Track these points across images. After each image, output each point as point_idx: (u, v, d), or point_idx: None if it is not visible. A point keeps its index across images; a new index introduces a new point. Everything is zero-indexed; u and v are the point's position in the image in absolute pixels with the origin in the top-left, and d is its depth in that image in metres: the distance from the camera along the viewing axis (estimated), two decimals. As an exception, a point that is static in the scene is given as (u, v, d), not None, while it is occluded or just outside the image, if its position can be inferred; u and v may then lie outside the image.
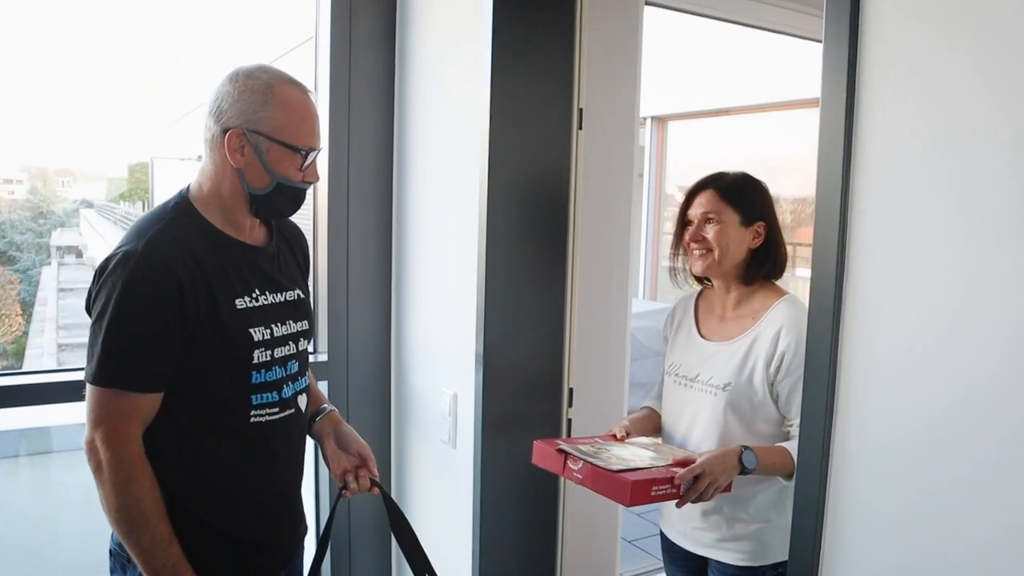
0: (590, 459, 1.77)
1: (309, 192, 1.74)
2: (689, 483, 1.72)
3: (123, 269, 1.49)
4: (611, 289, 2.74)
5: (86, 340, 1.55)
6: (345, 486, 1.78)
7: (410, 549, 1.78)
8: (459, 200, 2.35)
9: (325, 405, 1.89)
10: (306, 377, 1.80)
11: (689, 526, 2.01)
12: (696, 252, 1.98)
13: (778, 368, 1.86)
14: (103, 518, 1.53)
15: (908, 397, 1.26)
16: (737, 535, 1.93)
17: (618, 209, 2.74)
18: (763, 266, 1.97)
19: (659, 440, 2.05)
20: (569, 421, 2.39)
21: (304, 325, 1.76)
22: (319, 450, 1.88)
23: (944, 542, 1.22)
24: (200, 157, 1.67)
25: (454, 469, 2.42)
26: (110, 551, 1.65)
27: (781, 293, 1.97)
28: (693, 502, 1.75)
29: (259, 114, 1.57)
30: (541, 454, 1.90)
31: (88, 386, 1.51)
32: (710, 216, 1.95)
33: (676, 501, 1.74)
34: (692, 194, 2.02)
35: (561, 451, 1.83)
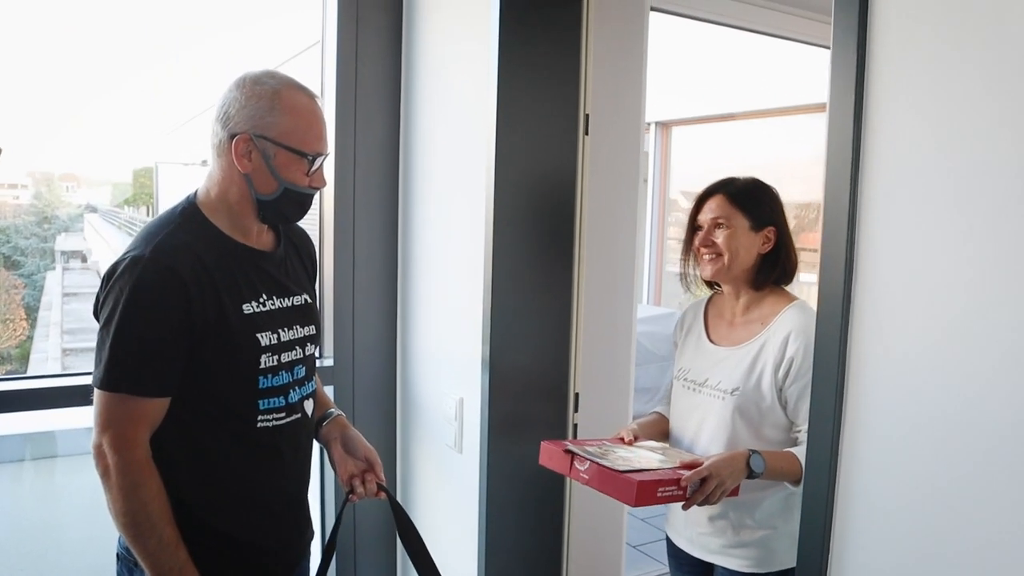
0: (597, 460, 1.77)
1: (316, 197, 1.74)
2: (696, 485, 1.72)
3: (131, 274, 1.50)
4: (617, 294, 2.74)
5: (90, 345, 1.56)
6: (352, 491, 1.78)
7: (416, 554, 1.78)
8: (465, 205, 2.35)
9: (332, 410, 1.89)
10: (313, 382, 1.80)
11: (695, 531, 2.00)
12: (706, 257, 1.98)
13: (787, 373, 1.85)
14: (109, 522, 1.53)
15: (917, 402, 1.26)
16: (743, 541, 1.92)
17: (624, 214, 2.74)
18: (773, 271, 1.97)
19: (667, 444, 2.04)
20: (575, 426, 2.39)
21: (311, 330, 1.76)
22: (325, 454, 1.88)
23: (955, 549, 1.21)
24: (205, 162, 1.67)
25: (460, 474, 2.42)
26: (117, 555, 1.65)
27: (791, 298, 1.97)
28: (699, 505, 1.74)
29: (266, 119, 1.57)
30: (548, 455, 1.90)
31: (96, 391, 1.51)
32: (720, 221, 1.95)
33: (682, 503, 1.74)
34: (702, 199, 2.02)
35: (568, 451, 1.83)
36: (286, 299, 1.71)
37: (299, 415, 1.72)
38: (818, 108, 5.90)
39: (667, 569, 2.21)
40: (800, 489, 1.55)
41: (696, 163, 7.45)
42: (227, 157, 1.60)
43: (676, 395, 2.09)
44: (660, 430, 2.11)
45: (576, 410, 2.38)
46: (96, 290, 1.58)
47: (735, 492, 1.77)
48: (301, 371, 1.72)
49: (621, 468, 1.73)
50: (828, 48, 1.37)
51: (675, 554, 2.11)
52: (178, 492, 1.55)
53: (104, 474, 1.50)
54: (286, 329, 1.68)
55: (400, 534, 1.79)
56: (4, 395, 2.21)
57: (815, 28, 3.46)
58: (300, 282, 1.79)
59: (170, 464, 1.55)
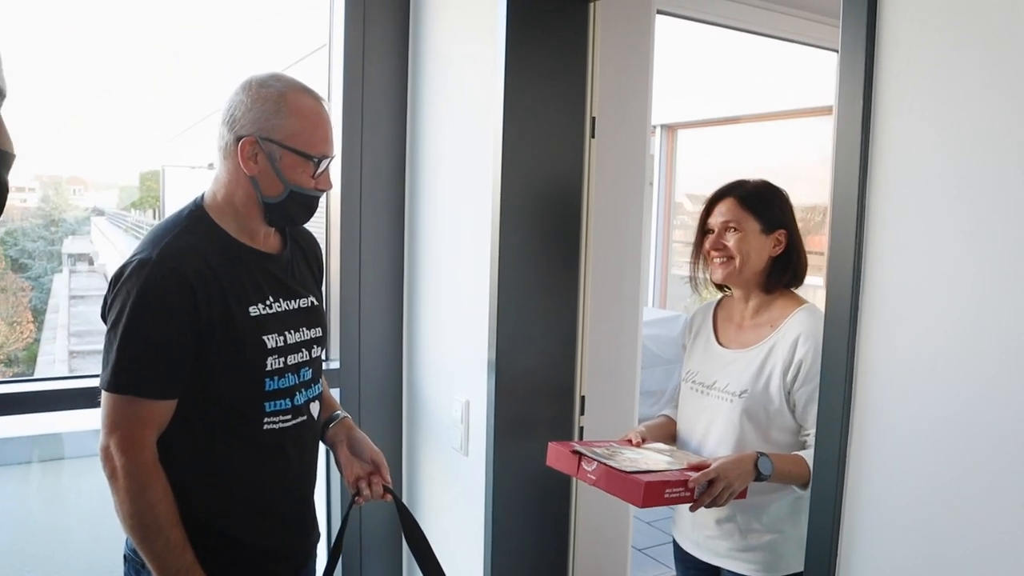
0: (604, 461, 1.77)
1: (322, 199, 1.74)
2: (703, 487, 1.72)
3: (138, 277, 1.50)
4: (623, 297, 2.74)
5: (97, 347, 1.56)
6: (358, 493, 1.78)
7: (423, 556, 1.78)
8: (472, 207, 2.35)
9: (338, 412, 1.89)
10: (319, 384, 1.80)
11: (702, 534, 2.00)
12: (717, 260, 1.98)
13: (795, 376, 1.85)
14: (116, 524, 1.53)
15: (926, 405, 1.25)
16: (751, 545, 1.92)
17: (630, 217, 2.74)
18: (784, 274, 1.97)
19: (674, 447, 2.04)
20: (581, 429, 2.39)
21: (318, 332, 1.77)
22: (331, 457, 1.88)
23: (964, 553, 1.21)
24: (211, 165, 1.68)
25: (466, 477, 2.42)
26: (124, 556, 1.65)
27: (800, 302, 1.97)
28: (707, 507, 1.74)
29: (272, 122, 1.58)
30: (555, 455, 1.91)
31: (103, 393, 1.52)
32: (731, 224, 1.95)
33: (690, 505, 1.74)
34: (712, 202, 2.01)
35: (575, 452, 1.84)
36: (292, 301, 1.71)
37: (305, 417, 1.72)
38: (824, 111, 5.92)
39: (673, 572, 2.21)
40: (808, 493, 1.55)
41: (701, 166, 7.44)
42: (233, 160, 1.60)
43: (684, 397, 2.09)
44: (668, 432, 2.11)
45: (582, 413, 2.39)
46: (103, 293, 1.58)
47: (743, 495, 1.77)
48: (307, 373, 1.73)
49: (628, 469, 1.73)
50: (835, 51, 1.37)
51: (682, 558, 2.11)
52: (185, 494, 1.55)
53: (111, 476, 1.51)
54: (292, 331, 1.68)
55: (406, 536, 1.79)
56: (11, 397, 2.21)
57: (821, 31, 3.45)
58: (306, 284, 1.79)
59: (177, 466, 1.55)
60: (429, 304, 2.65)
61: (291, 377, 1.67)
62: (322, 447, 1.87)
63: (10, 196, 0.92)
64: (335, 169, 2.58)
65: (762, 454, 1.77)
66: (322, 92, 1.70)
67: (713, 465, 1.74)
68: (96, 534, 2.81)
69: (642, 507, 1.69)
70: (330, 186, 1.70)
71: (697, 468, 1.75)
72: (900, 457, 1.29)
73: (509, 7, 2.14)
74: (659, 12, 2.82)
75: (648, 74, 2.75)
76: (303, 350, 1.71)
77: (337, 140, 2.57)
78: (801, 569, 1.49)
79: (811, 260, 2.02)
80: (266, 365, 1.62)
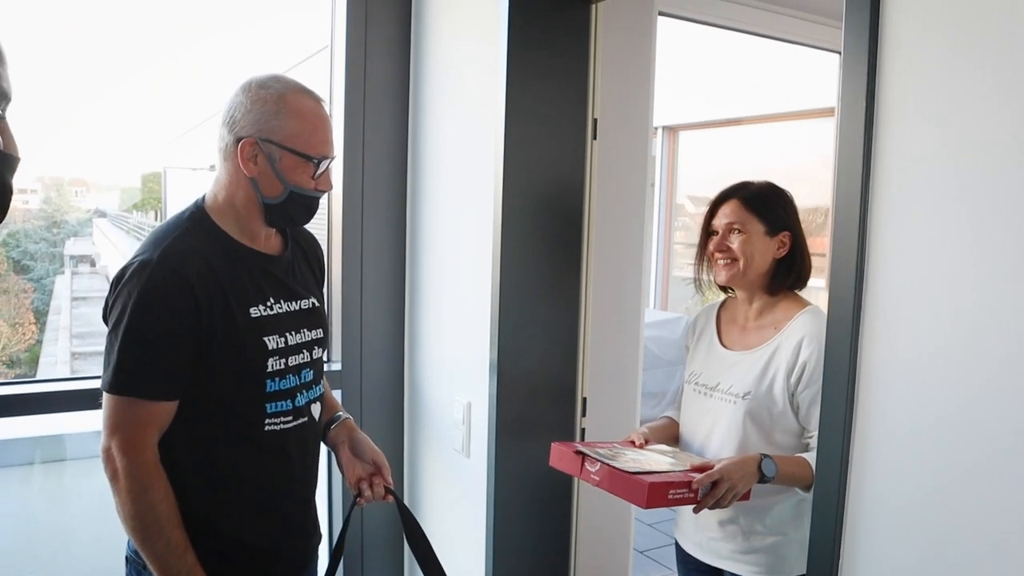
0: (607, 461, 1.76)
1: (324, 201, 1.74)
2: (707, 488, 1.72)
3: (139, 278, 1.50)
4: (624, 298, 2.73)
5: (99, 349, 1.56)
6: (360, 494, 1.78)
7: (424, 558, 1.78)
8: (474, 209, 2.35)
9: (340, 413, 1.89)
10: (320, 385, 1.80)
11: (705, 536, 2.00)
12: (721, 262, 1.97)
13: (799, 378, 1.85)
14: (118, 525, 1.53)
15: (929, 406, 1.25)
16: (754, 547, 1.92)
17: (632, 219, 2.73)
18: (788, 276, 1.97)
19: (677, 448, 2.04)
20: (583, 430, 2.39)
21: (319, 333, 1.77)
22: (333, 458, 1.88)
23: (967, 555, 1.21)
24: (213, 167, 1.68)
25: (468, 478, 2.42)
26: (126, 558, 1.65)
27: (803, 304, 1.97)
28: (710, 508, 1.74)
29: (271, 123, 1.58)
30: (558, 456, 1.90)
31: (104, 394, 1.52)
32: (735, 226, 1.95)
33: (693, 506, 1.74)
34: (717, 204, 2.01)
35: (578, 453, 1.83)
36: (293, 303, 1.71)
37: (306, 418, 1.72)
38: (825, 112, 5.92)
39: (674, 574, 2.20)
40: (811, 495, 1.55)
41: (703, 168, 7.44)
42: (233, 161, 1.60)
43: (687, 399, 2.09)
44: (670, 434, 2.11)
45: (584, 414, 2.38)
46: (105, 294, 1.58)
47: (746, 496, 1.77)
48: (309, 375, 1.73)
49: (632, 470, 1.72)
50: (836, 52, 1.37)
51: (684, 560, 2.11)
52: (186, 495, 1.55)
53: (112, 477, 1.51)
54: (293, 332, 1.68)
55: (407, 538, 1.79)
56: (13, 399, 2.21)
57: (823, 32, 3.45)
58: (308, 286, 1.79)
59: (178, 467, 1.55)
60: (431, 305, 2.65)
61: (292, 378, 1.67)
62: (324, 448, 1.87)
63: (13, 198, 0.93)
64: (336, 170, 2.59)
65: (766, 456, 1.77)
66: (324, 93, 1.70)
67: (717, 466, 1.73)
68: (98, 535, 2.81)
69: (646, 508, 1.68)
70: (330, 187, 1.70)
71: (701, 469, 1.75)
72: (903, 458, 1.29)
73: (511, 8, 2.14)
74: (661, 13, 2.82)
75: (650, 75, 2.75)
76: (304, 351, 1.71)
77: (339, 141, 2.58)
78: (804, 571, 1.49)
79: (813, 262, 2.02)
80: (267, 366, 1.62)
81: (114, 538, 1.64)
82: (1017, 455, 1.14)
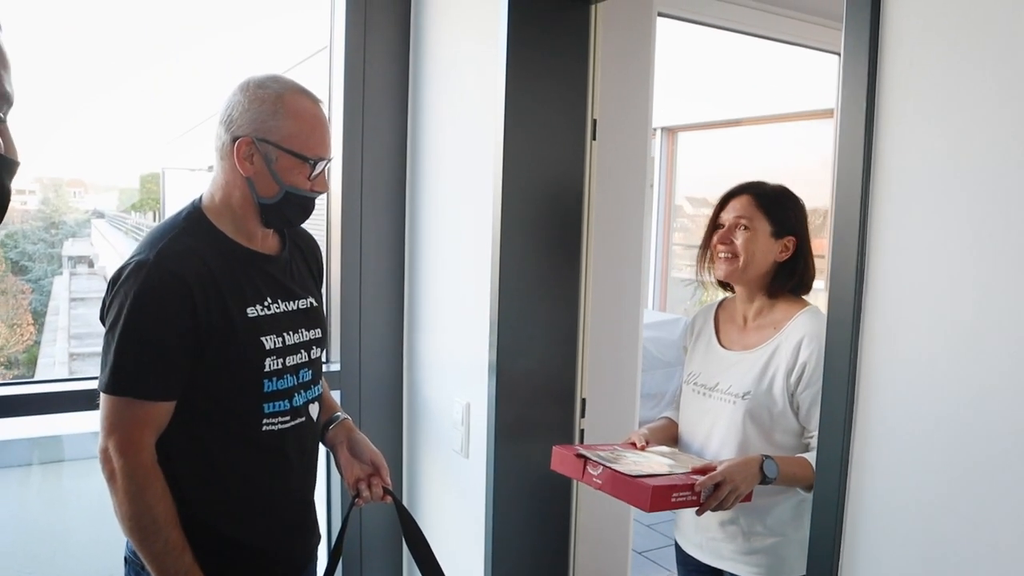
0: (609, 464, 1.76)
1: (323, 201, 1.74)
2: (710, 490, 1.71)
3: (135, 279, 1.50)
4: (624, 299, 2.73)
5: (97, 349, 1.56)
6: (358, 495, 1.78)
7: (423, 559, 1.77)
8: (473, 210, 2.35)
9: (338, 413, 1.89)
10: (319, 386, 1.80)
11: (705, 536, 1.99)
12: (722, 255, 1.97)
13: (799, 378, 1.85)
14: (116, 526, 1.53)
15: (929, 407, 1.25)
16: (754, 548, 1.91)
17: (631, 219, 2.74)
18: (789, 280, 1.96)
19: (677, 449, 2.04)
20: (582, 431, 2.39)
21: (317, 333, 1.76)
22: (331, 458, 1.88)
23: (967, 556, 1.21)
24: (211, 168, 1.68)
25: (466, 479, 2.42)
26: (125, 558, 1.65)
27: (803, 304, 1.96)
28: (713, 510, 1.73)
29: (268, 123, 1.58)
30: (560, 459, 1.90)
31: (102, 395, 1.52)
32: (743, 221, 1.95)
33: (696, 509, 1.73)
34: (728, 197, 2.01)
35: (580, 456, 1.83)
36: (291, 302, 1.71)
37: (303, 419, 1.72)
38: (824, 114, 5.92)
39: (674, 575, 2.20)
40: (812, 495, 1.54)
41: (702, 169, 7.45)
42: (229, 160, 1.60)
43: (686, 399, 2.08)
44: (669, 435, 2.10)
45: (583, 415, 2.38)
46: (103, 295, 1.58)
47: (748, 497, 1.76)
48: (307, 374, 1.72)
49: (634, 473, 1.72)
50: (835, 54, 1.37)
51: (683, 561, 2.11)
52: (184, 496, 1.55)
53: (110, 478, 1.50)
54: (291, 332, 1.68)
55: (406, 538, 1.79)
56: (11, 399, 2.21)
57: (822, 34, 3.45)
58: (305, 285, 1.79)
59: (176, 468, 1.55)
60: (430, 306, 2.65)
61: (290, 378, 1.67)
62: (322, 449, 1.87)
63: (11, 199, 0.92)
64: (335, 170, 2.59)
65: (767, 457, 1.77)
66: (323, 94, 1.70)
67: (719, 468, 1.73)
68: (96, 536, 2.80)
69: (650, 511, 1.68)
70: (326, 188, 1.70)
71: (702, 471, 1.75)
72: (902, 459, 1.29)
73: (510, 9, 2.14)
74: (660, 14, 2.82)
75: (649, 76, 2.75)
76: (302, 351, 1.71)
77: (338, 142, 2.57)
78: (804, 572, 1.49)
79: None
80: (264, 366, 1.61)
81: (112, 539, 1.64)
82: (1017, 455, 1.14)
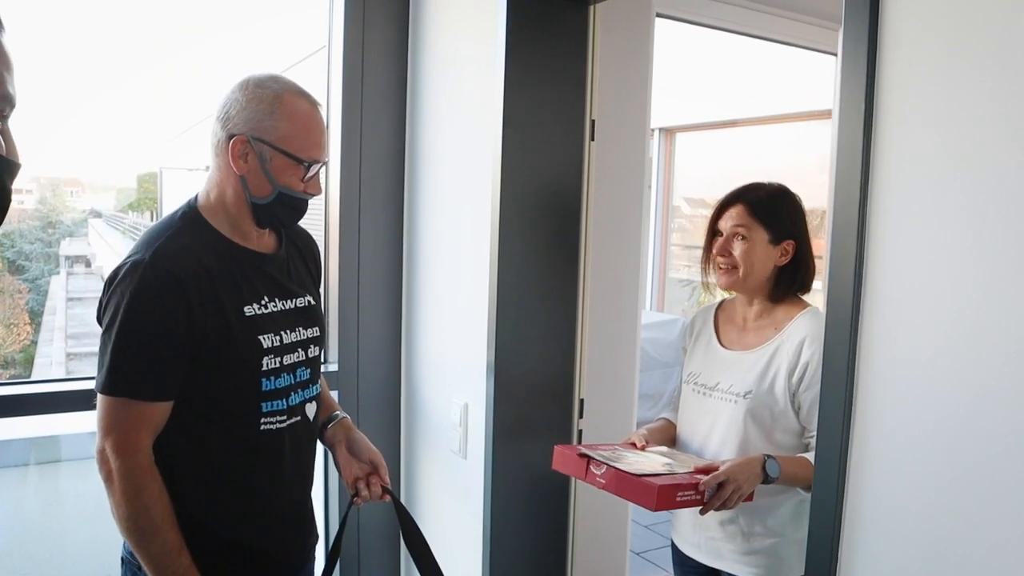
0: (613, 464, 1.76)
1: (321, 201, 1.74)
2: (713, 490, 1.72)
3: (131, 279, 1.50)
4: (622, 300, 2.73)
5: (94, 349, 1.56)
6: (357, 494, 1.78)
7: (421, 558, 1.77)
8: (471, 210, 2.35)
9: (337, 412, 1.89)
10: (317, 385, 1.80)
11: (704, 536, 1.99)
12: (721, 266, 1.97)
13: (800, 378, 1.85)
14: (113, 526, 1.53)
15: (927, 408, 1.25)
16: (753, 549, 1.92)
17: (629, 220, 2.73)
18: (791, 284, 1.96)
19: (676, 450, 2.04)
20: (580, 432, 2.38)
21: (315, 332, 1.76)
22: (329, 457, 1.87)
23: (965, 556, 1.21)
24: (209, 168, 1.68)
25: (464, 479, 2.42)
26: (122, 559, 1.64)
27: (804, 305, 1.97)
28: (716, 510, 1.74)
29: (265, 123, 1.57)
30: (562, 459, 1.90)
31: (98, 395, 1.51)
32: (739, 231, 1.95)
33: (699, 508, 1.74)
34: (724, 206, 2.01)
35: (583, 456, 1.83)
36: (288, 301, 1.70)
37: (299, 418, 1.71)
38: (822, 115, 5.92)
39: (671, 575, 2.20)
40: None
41: (700, 169, 7.45)
42: (224, 157, 1.60)
43: (685, 399, 2.08)
44: (668, 436, 2.10)
45: (581, 416, 2.38)
46: (100, 295, 1.58)
47: (750, 497, 1.77)
48: (305, 373, 1.72)
49: (638, 472, 1.72)
50: (832, 54, 1.37)
51: (680, 561, 2.11)
52: (181, 496, 1.55)
53: (107, 478, 1.50)
54: (288, 331, 1.68)
55: (405, 538, 1.79)
56: (8, 399, 2.21)
57: (819, 34, 3.45)
58: (303, 284, 1.79)
59: (173, 468, 1.55)
60: (428, 306, 2.65)
61: (287, 377, 1.67)
62: (320, 448, 1.86)
63: (11, 200, 0.92)
64: (334, 170, 2.59)
65: (770, 456, 1.77)
66: (321, 93, 1.69)
67: (722, 468, 1.73)
68: (94, 536, 2.80)
69: (655, 511, 1.68)
70: (319, 191, 1.69)
71: (705, 471, 1.75)
72: (901, 459, 1.29)
73: (509, 9, 2.14)
74: (658, 15, 2.82)
75: (647, 77, 2.75)
76: (299, 350, 1.70)
77: (336, 142, 2.57)
78: (802, 573, 1.49)
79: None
80: (262, 365, 1.61)
81: (110, 539, 1.64)
82: (1016, 455, 1.14)
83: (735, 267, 1.95)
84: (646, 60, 2.74)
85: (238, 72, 1.64)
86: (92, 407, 1.54)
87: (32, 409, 2.26)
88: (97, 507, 1.59)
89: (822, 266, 1.41)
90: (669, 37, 3.22)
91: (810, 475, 1.74)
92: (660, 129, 7.41)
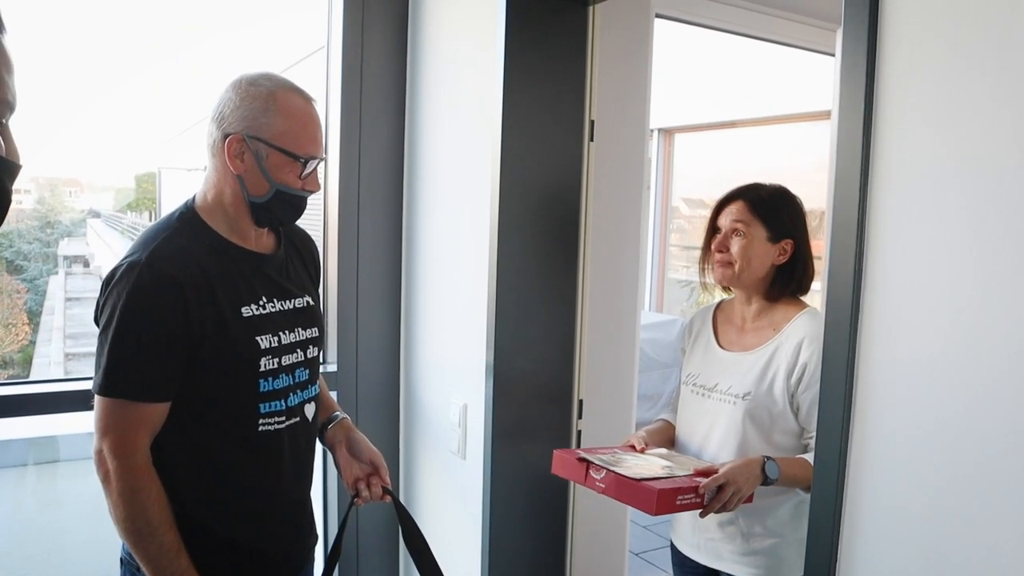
0: (613, 468, 1.76)
1: (319, 201, 1.73)
2: (713, 492, 1.71)
3: (128, 280, 1.49)
4: (621, 300, 2.73)
5: (92, 350, 1.55)
6: (357, 494, 1.77)
7: (421, 558, 1.77)
8: (470, 210, 2.35)
9: (337, 413, 1.88)
10: (316, 385, 1.79)
11: (704, 537, 1.99)
12: (719, 261, 1.97)
13: (799, 379, 1.85)
14: (111, 527, 1.52)
15: (927, 409, 1.25)
16: (753, 549, 1.92)
17: (628, 220, 2.73)
18: (788, 284, 1.96)
19: (675, 451, 2.04)
20: (579, 432, 2.38)
21: (313, 332, 1.76)
22: (328, 458, 1.87)
23: (965, 557, 1.21)
24: (206, 168, 1.68)
25: (464, 480, 2.41)
26: (120, 559, 1.64)
27: (802, 305, 1.97)
28: (716, 512, 1.74)
29: (260, 121, 1.57)
30: (561, 463, 1.89)
31: (96, 396, 1.51)
32: (738, 228, 1.95)
33: (700, 511, 1.73)
34: (724, 203, 2.01)
35: (582, 460, 1.82)
36: (287, 301, 1.70)
37: (298, 419, 1.71)
38: (821, 116, 5.92)
39: (670, 576, 2.20)
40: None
41: (698, 170, 7.45)
42: (220, 157, 1.60)
43: (684, 400, 2.08)
44: (667, 437, 2.10)
45: (580, 416, 2.38)
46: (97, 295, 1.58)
47: (750, 499, 1.77)
48: (304, 374, 1.72)
49: (636, 476, 1.72)
50: (831, 55, 1.37)
51: (680, 562, 2.11)
52: (180, 497, 1.54)
53: (105, 479, 1.50)
54: (287, 332, 1.67)
55: (404, 538, 1.78)
56: (7, 400, 2.20)
57: (818, 35, 3.45)
58: (302, 284, 1.78)
59: (171, 469, 1.54)
60: (427, 307, 2.65)
61: (286, 377, 1.66)
62: (320, 448, 1.86)
63: (11, 201, 0.92)
64: (333, 170, 2.59)
65: (769, 458, 1.77)
66: (320, 94, 1.69)
67: (722, 470, 1.73)
68: (92, 537, 2.80)
69: (655, 515, 1.68)
70: (318, 187, 1.69)
71: (704, 474, 1.75)
72: (900, 460, 1.29)
73: (508, 10, 2.14)
74: (657, 16, 2.82)
75: (647, 78, 2.75)
76: (298, 350, 1.70)
77: (335, 142, 2.57)
78: (802, 574, 1.48)
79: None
80: (260, 366, 1.61)
81: (108, 540, 1.63)
82: (1015, 456, 1.14)
83: (731, 262, 1.95)
84: (645, 61, 2.74)
85: (236, 72, 1.64)
86: (90, 407, 1.53)
87: (31, 409, 2.26)
88: (96, 507, 1.59)
89: (821, 266, 1.41)
90: (668, 37, 3.22)
91: (809, 476, 1.74)
92: (659, 130, 7.41)
